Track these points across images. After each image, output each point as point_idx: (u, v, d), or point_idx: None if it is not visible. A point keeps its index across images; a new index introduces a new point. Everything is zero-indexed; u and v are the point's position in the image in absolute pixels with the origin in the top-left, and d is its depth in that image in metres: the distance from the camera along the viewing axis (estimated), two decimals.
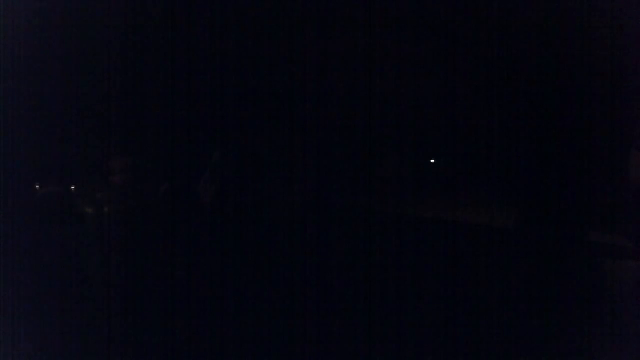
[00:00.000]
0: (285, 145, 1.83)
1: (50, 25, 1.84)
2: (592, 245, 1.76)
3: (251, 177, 1.86)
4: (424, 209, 1.84)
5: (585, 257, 1.76)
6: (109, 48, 1.84)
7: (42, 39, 1.84)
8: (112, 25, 1.84)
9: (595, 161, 1.75)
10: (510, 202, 1.81)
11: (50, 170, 1.86)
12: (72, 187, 1.87)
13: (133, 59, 1.86)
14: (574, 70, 1.78)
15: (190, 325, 1.80)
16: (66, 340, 1.82)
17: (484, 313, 1.76)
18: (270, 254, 1.82)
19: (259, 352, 1.79)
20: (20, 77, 1.83)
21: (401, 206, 1.84)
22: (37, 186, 1.86)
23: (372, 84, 1.81)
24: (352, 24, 1.82)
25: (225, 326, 1.80)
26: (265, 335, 1.80)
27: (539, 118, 1.79)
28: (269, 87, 1.84)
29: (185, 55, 1.82)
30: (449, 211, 1.83)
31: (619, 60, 1.73)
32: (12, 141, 1.83)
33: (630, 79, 1.73)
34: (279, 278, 1.81)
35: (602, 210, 1.75)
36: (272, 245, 1.82)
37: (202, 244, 1.82)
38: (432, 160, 1.81)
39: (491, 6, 1.77)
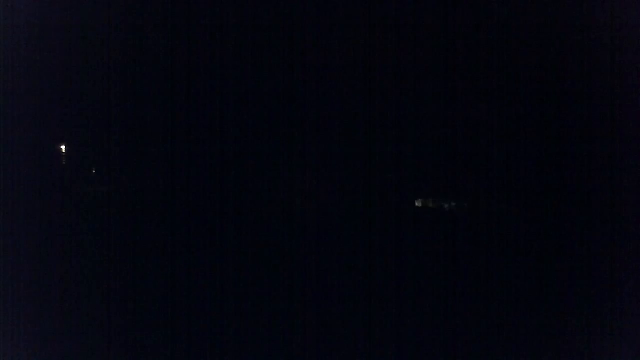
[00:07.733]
0: (285, 145, 1.83)
1: (50, 25, 1.84)
2: (592, 244, 1.76)
3: (251, 177, 1.86)
4: (424, 208, 1.83)
5: (586, 256, 1.76)
6: (109, 48, 1.84)
7: (42, 39, 1.83)
8: (112, 25, 1.84)
9: (595, 161, 1.75)
10: (510, 202, 1.81)
11: (50, 169, 1.86)
12: (72, 187, 1.87)
13: (133, 59, 1.86)
14: (574, 70, 1.78)
15: (190, 324, 1.80)
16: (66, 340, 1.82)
17: (483, 312, 1.76)
18: (270, 254, 1.82)
19: (259, 352, 1.79)
20: (20, 77, 1.83)
21: (401, 205, 1.84)
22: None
23: (372, 84, 1.81)
24: (352, 24, 1.82)
25: (225, 326, 1.80)
26: (265, 335, 1.79)
27: (539, 118, 1.79)
28: (269, 87, 1.84)
29: (185, 55, 1.82)
30: (449, 210, 1.83)
31: (619, 60, 1.73)
32: (12, 141, 1.82)
33: (631, 78, 1.73)
34: (278, 277, 1.81)
35: (602, 210, 1.75)
36: (272, 245, 1.82)
37: (202, 244, 1.81)
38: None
39: (491, 6, 1.77)
